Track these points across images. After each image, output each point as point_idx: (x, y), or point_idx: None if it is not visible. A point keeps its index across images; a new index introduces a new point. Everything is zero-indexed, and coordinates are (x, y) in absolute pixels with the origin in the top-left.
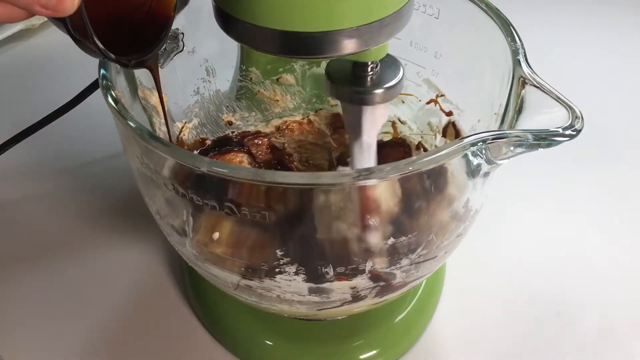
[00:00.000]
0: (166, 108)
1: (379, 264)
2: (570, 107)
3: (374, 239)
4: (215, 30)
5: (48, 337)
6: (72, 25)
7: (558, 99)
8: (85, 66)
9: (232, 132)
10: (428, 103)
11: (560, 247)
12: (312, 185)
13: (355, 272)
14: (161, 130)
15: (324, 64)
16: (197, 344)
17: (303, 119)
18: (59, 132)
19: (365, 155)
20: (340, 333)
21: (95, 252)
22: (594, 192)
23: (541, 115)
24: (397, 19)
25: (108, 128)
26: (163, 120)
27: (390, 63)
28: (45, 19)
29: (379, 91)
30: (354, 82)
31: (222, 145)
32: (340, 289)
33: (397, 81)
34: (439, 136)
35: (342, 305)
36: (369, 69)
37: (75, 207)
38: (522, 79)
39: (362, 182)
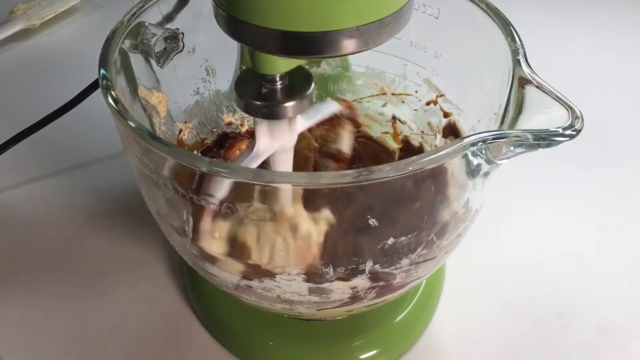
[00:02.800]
0: (166, 107)
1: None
2: (570, 107)
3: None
4: (215, 30)
5: (48, 337)
6: None
7: (558, 99)
8: (85, 66)
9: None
10: (428, 104)
11: (560, 247)
12: (312, 185)
13: (355, 272)
14: (161, 130)
15: (324, 64)
16: (197, 344)
17: None
18: (59, 132)
19: (285, 164)
20: (340, 333)
21: (95, 252)
22: (594, 192)
23: (541, 115)
24: (397, 19)
25: (108, 128)
26: (163, 120)
27: (300, 74)
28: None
29: (288, 104)
30: (262, 97)
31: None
32: (340, 289)
33: (307, 92)
34: (439, 136)
35: (342, 305)
36: (278, 82)
37: (75, 207)
38: (522, 79)
39: (363, 182)
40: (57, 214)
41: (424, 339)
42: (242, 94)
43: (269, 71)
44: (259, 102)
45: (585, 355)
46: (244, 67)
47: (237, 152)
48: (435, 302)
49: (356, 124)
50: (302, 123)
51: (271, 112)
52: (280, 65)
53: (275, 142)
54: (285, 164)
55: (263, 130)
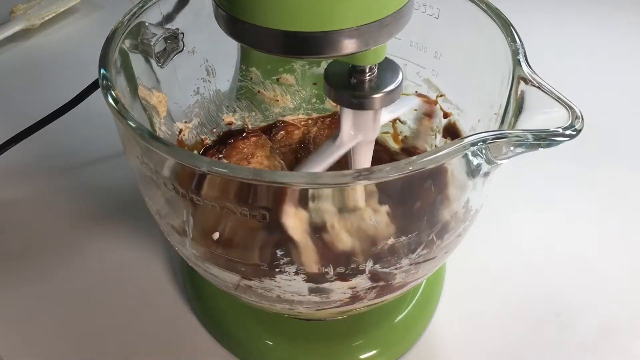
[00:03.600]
0: (166, 107)
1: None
2: (570, 107)
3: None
4: (215, 30)
5: (48, 337)
6: None
7: (558, 99)
8: (85, 66)
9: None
10: (417, 92)
11: (560, 247)
12: (312, 185)
13: (355, 272)
14: (161, 130)
15: (324, 64)
16: (197, 344)
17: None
18: (59, 132)
19: (365, 156)
20: (340, 333)
21: (95, 252)
22: (594, 192)
23: (541, 115)
24: (397, 19)
25: (108, 128)
26: (163, 120)
27: (389, 66)
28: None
29: (377, 96)
30: (351, 87)
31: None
32: (340, 289)
33: (396, 85)
34: (439, 136)
35: (342, 305)
36: (367, 74)
37: (75, 207)
38: (522, 79)
39: (363, 182)
40: (57, 214)
41: (424, 339)
42: (332, 82)
43: (359, 62)
44: (348, 92)
45: (585, 355)
46: (243, 67)
47: (242, 149)
48: (435, 302)
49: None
50: (386, 116)
51: (359, 103)
52: (370, 57)
53: (359, 134)
54: (365, 156)
55: (348, 121)
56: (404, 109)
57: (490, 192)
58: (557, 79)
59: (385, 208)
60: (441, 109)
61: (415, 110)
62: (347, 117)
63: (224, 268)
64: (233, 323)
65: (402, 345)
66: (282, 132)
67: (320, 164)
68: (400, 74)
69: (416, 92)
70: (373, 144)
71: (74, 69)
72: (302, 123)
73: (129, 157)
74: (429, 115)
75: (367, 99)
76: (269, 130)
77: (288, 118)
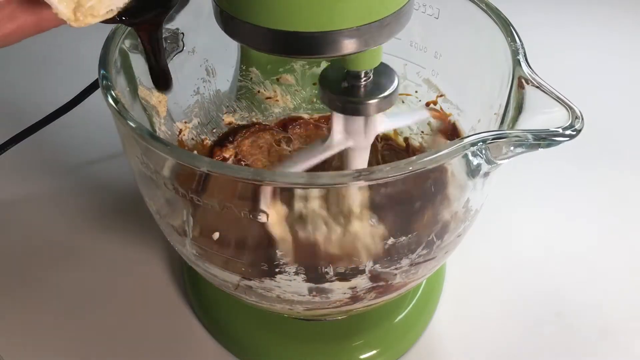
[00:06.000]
0: (166, 107)
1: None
2: (570, 107)
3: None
4: (215, 30)
5: (48, 337)
6: None
7: (558, 99)
8: (85, 66)
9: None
10: (428, 104)
11: (560, 247)
12: (312, 186)
13: (355, 272)
14: (161, 130)
15: (324, 64)
16: (197, 344)
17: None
18: (59, 132)
19: (359, 162)
20: (340, 333)
21: (95, 252)
22: (594, 192)
23: (541, 115)
24: (397, 19)
25: (108, 128)
26: (163, 120)
27: (384, 72)
28: None
29: (369, 102)
30: (344, 91)
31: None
32: (340, 289)
33: (391, 91)
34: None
35: (342, 305)
36: (362, 79)
37: (75, 207)
38: (522, 79)
39: (362, 182)
40: (57, 214)
41: (424, 339)
42: (324, 85)
43: (354, 67)
44: (337, 96)
45: (585, 355)
46: (243, 67)
47: (252, 143)
48: (435, 302)
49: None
50: (386, 124)
51: (349, 108)
52: (364, 63)
53: (350, 139)
54: (359, 162)
55: (339, 125)
56: (410, 121)
57: (490, 192)
58: (557, 79)
59: (369, 217)
60: (441, 109)
61: (429, 124)
62: (338, 121)
63: (224, 268)
64: (233, 323)
65: (402, 345)
66: (299, 128)
67: (303, 163)
68: (396, 81)
69: (427, 104)
70: (367, 151)
71: (74, 69)
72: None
73: (129, 157)
74: (444, 132)
75: (358, 104)
76: (284, 125)
77: (304, 115)
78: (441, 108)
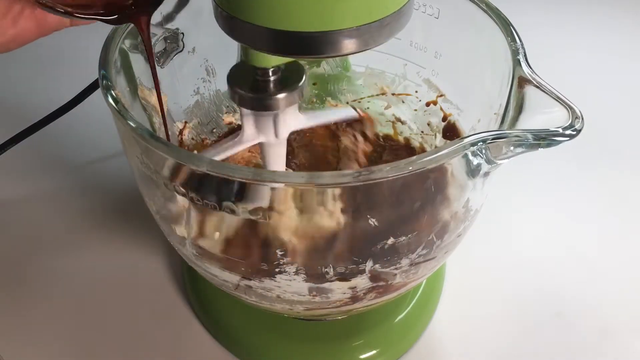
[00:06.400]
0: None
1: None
2: (570, 107)
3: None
4: (215, 30)
5: (48, 337)
6: None
7: (558, 99)
8: (85, 66)
9: None
10: (428, 104)
11: (560, 247)
12: (311, 185)
13: (355, 272)
14: (161, 130)
15: (324, 63)
16: (197, 344)
17: None
18: (59, 132)
19: (274, 158)
20: (340, 333)
21: (95, 252)
22: (594, 192)
23: (541, 115)
24: (397, 19)
25: (108, 128)
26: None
27: (293, 69)
28: None
29: (278, 97)
30: (253, 88)
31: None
32: (340, 289)
33: (297, 86)
34: (439, 136)
35: (342, 305)
36: (270, 75)
37: (75, 207)
38: (522, 79)
39: (362, 182)
40: (57, 214)
41: (424, 339)
42: (232, 82)
43: (259, 63)
44: (242, 92)
45: (585, 355)
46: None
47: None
48: (435, 302)
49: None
50: (302, 121)
51: (255, 104)
52: (270, 59)
53: (261, 135)
54: (274, 158)
55: (249, 121)
56: (332, 119)
57: (490, 192)
58: (557, 79)
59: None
60: (441, 109)
61: (429, 124)
62: (248, 117)
63: (224, 268)
64: (233, 323)
65: (402, 345)
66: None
67: (216, 155)
68: (304, 77)
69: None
70: (283, 146)
71: (74, 69)
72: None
73: (129, 157)
74: (362, 133)
75: (263, 100)
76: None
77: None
78: (441, 108)
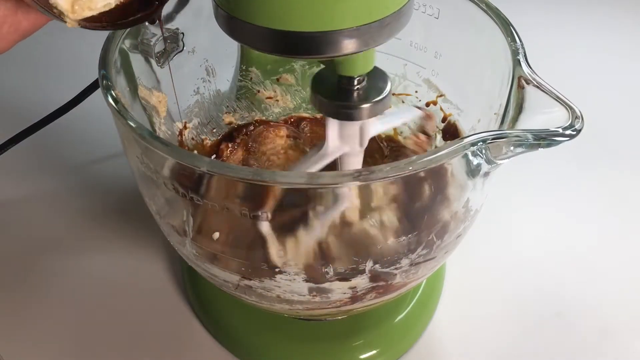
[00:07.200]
0: (166, 107)
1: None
2: (570, 107)
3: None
4: (215, 30)
5: (48, 337)
6: None
7: (558, 99)
8: (85, 66)
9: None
10: (428, 104)
11: (560, 247)
12: (311, 185)
13: (355, 273)
14: (161, 130)
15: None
16: (197, 344)
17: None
18: (59, 132)
19: (352, 167)
20: (340, 333)
21: (95, 252)
22: (594, 192)
23: (541, 115)
24: (397, 19)
25: (108, 128)
26: (163, 120)
27: (377, 77)
28: None
29: (364, 107)
30: (338, 97)
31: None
32: (340, 289)
33: (383, 96)
34: (439, 136)
35: (342, 305)
36: (355, 84)
37: (75, 207)
38: (522, 79)
39: (363, 182)
40: (57, 214)
41: (424, 339)
42: (317, 91)
43: (347, 73)
44: (331, 102)
45: (585, 355)
46: (243, 67)
47: (275, 140)
48: (435, 302)
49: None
50: (377, 127)
51: (344, 113)
52: (358, 68)
53: (345, 145)
54: (354, 167)
55: (334, 131)
56: (401, 121)
57: (490, 192)
58: (557, 79)
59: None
60: (441, 109)
61: (415, 123)
62: (333, 127)
63: (224, 268)
64: (233, 323)
65: (402, 345)
66: (308, 126)
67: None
68: (389, 84)
69: (427, 104)
70: (362, 155)
71: (74, 69)
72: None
73: (129, 157)
74: (424, 132)
75: (353, 109)
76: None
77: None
78: (441, 108)
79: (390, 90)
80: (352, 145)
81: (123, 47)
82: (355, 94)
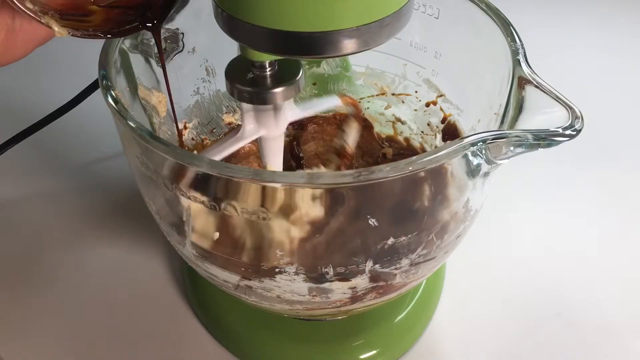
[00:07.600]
0: (166, 107)
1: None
2: (570, 107)
3: None
4: (215, 30)
5: (48, 338)
6: None
7: (558, 99)
8: (85, 66)
9: None
10: (428, 105)
11: (560, 247)
12: (311, 185)
13: (355, 273)
14: (161, 130)
15: (324, 64)
16: (197, 344)
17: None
18: (59, 132)
19: (273, 151)
20: (340, 333)
21: (95, 252)
22: (594, 192)
23: (541, 115)
24: (397, 19)
25: (108, 128)
26: (163, 120)
27: (289, 62)
28: None
29: (279, 90)
30: (250, 82)
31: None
32: (339, 289)
33: (294, 80)
34: (439, 136)
35: (342, 305)
36: (267, 69)
37: (75, 207)
38: (522, 79)
39: (363, 182)
40: (57, 214)
41: (424, 339)
42: (230, 78)
43: (257, 58)
44: (243, 87)
45: (585, 355)
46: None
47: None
48: (435, 302)
49: (361, 121)
50: (297, 113)
51: (255, 98)
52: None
53: (262, 128)
54: (273, 151)
55: (249, 116)
56: (322, 108)
57: (490, 192)
58: (557, 79)
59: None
60: (441, 109)
61: (429, 124)
62: (248, 111)
63: (224, 268)
64: (233, 323)
65: (402, 345)
66: (314, 126)
67: (218, 154)
68: (301, 70)
69: (427, 104)
70: (282, 140)
71: (74, 69)
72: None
73: (129, 157)
74: (355, 116)
75: (265, 94)
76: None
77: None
78: (441, 108)
79: (302, 74)
80: (269, 128)
81: (123, 47)
82: (268, 78)
